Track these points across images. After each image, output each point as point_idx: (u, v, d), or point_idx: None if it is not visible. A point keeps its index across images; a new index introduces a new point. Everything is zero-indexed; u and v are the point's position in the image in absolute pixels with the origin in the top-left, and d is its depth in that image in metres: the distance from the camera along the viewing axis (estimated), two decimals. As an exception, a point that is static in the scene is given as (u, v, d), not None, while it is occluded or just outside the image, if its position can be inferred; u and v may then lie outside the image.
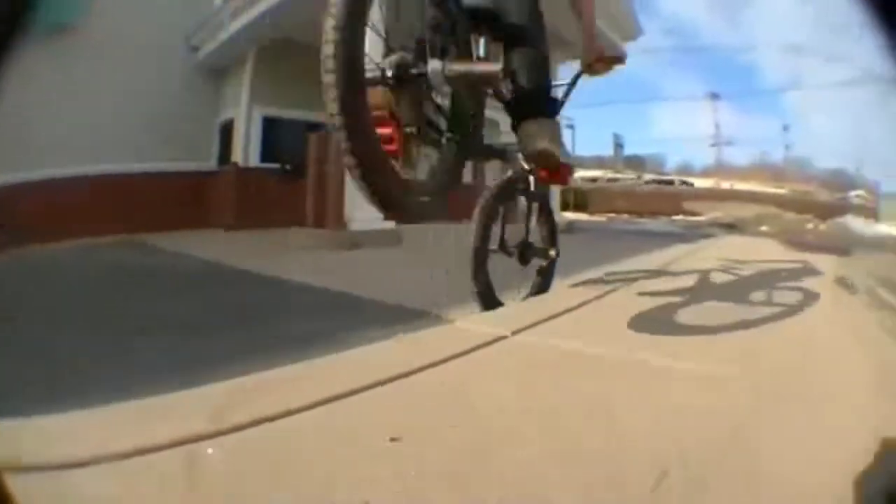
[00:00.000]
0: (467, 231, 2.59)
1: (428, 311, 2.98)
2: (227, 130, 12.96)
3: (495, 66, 2.17)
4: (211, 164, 13.10)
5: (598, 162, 55.57)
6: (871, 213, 31.49)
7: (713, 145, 52.81)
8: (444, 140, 2.18)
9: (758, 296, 3.60)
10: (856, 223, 26.70)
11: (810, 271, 5.39)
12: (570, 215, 26.36)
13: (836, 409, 1.65)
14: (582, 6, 2.91)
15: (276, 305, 3.68)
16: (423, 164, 2.11)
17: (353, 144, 1.66)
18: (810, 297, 3.79)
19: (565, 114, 2.97)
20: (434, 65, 1.91)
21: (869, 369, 2.09)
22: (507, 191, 3.12)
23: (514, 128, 2.55)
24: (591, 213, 32.05)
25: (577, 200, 32.40)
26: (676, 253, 6.53)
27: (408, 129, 1.92)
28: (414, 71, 1.86)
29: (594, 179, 43.76)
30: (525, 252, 3.24)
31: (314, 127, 8.77)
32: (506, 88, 2.52)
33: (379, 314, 3.08)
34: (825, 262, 6.36)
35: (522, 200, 3.22)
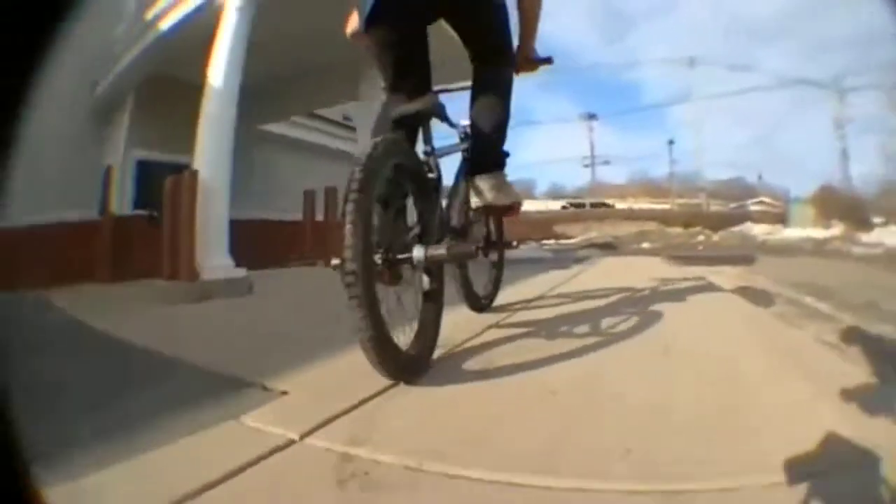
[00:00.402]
0: (320, 275, 2.15)
1: (252, 381, 2.65)
2: (108, 176, 12.95)
3: (470, 248, 2.88)
4: (94, 212, 12.57)
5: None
6: (779, 219, 32.46)
7: (587, 166, 54.75)
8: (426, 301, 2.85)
9: (641, 325, 3.49)
10: (757, 230, 27.72)
11: (704, 287, 5.30)
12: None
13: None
14: (527, 4, 3.32)
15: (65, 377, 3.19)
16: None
17: (372, 333, 2.22)
18: (710, 318, 3.76)
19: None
20: (417, 252, 2.62)
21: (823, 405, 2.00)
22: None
23: (467, 176, 3.18)
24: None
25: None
26: (543, 284, 6.05)
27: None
28: (401, 257, 2.59)
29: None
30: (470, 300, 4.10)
31: (182, 169, 8.35)
32: (463, 135, 3.48)
33: (191, 386, 2.77)
34: (721, 275, 6.48)
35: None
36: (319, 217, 11.60)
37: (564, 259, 11.21)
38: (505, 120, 3.11)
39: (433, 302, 2.84)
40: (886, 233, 24.43)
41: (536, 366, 2.65)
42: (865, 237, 24.17)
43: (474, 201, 3.08)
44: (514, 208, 3.16)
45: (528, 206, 50.62)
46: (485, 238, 4.12)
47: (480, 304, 4.18)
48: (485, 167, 3.05)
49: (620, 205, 41.20)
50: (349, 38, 3.32)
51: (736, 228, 28.90)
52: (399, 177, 2.67)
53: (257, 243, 10.66)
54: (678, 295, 4.68)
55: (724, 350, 2.89)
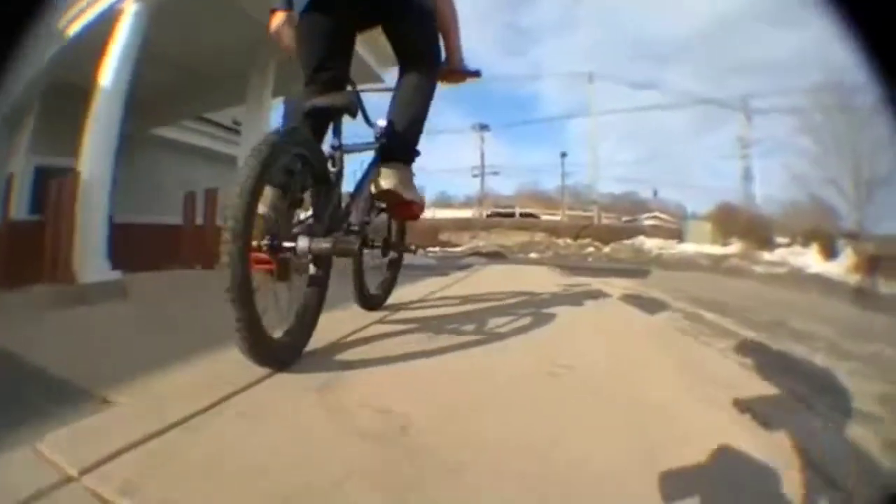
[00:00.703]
0: (199, 278, 2.91)
1: (92, 390, 2.42)
2: (9, 184, 13.10)
3: (353, 245, 2.91)
4: (-4, 220, 13.56)
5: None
6: (674, 234, 34.05)
7: (476, 175, 55.16)
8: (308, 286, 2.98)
9: (522, 335, 3.34)
10: (650, 244, 28.28)
11: (593, 295, 5.23)
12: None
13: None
14: (445, 15, 3.47)
15: None
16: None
17: (242, 316, 2.23)
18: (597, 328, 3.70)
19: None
20: (302, 243, 2.69)
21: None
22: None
23: (374, 167, 3.30)
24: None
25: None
26: (424, 288, 5.81)
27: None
28: (286, 245, 2.66)
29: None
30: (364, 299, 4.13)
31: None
32: (378, 135, 3.34)
33: (22, 397, 2.55)
34: (611, 286, 6.43)
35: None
36: (201, 220, 11.47)
37: (448, 266, 10.99)
38: (421, 118, 3.31)
39: (317, 290, 2.98)
40: (790, 253, 25.20)
41: (396, 386, 2.43)
42: (768, 256, 24.89)
43: (374, 186, 3.21)
44: (414, 208, 3.43)
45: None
46: (384, 239, 4.24)
47: (370, 302, 4.23)
48: (394, 157, 3.24)
49: (507, 214, 41.72)
50: (272, 34, 3.46)
51: (628, 241, 29.50)
52: (298, 167, 2.78)
53: (140, 247, 10.64)
54: (565, 303, 4.55)
55: (616, 367, 2.72)
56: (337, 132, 3.16)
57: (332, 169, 3.09)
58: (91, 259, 7.40)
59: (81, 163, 7.78)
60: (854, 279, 18.78)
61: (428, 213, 46.46)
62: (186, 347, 3.15)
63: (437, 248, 28.07)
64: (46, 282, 7.39)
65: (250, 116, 11.78)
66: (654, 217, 44.60)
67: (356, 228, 3.40)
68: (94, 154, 7.82)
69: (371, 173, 3.37)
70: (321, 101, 2.99)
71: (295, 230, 2.78)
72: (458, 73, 3.66)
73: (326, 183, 3.01)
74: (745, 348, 3.30)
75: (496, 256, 19.00)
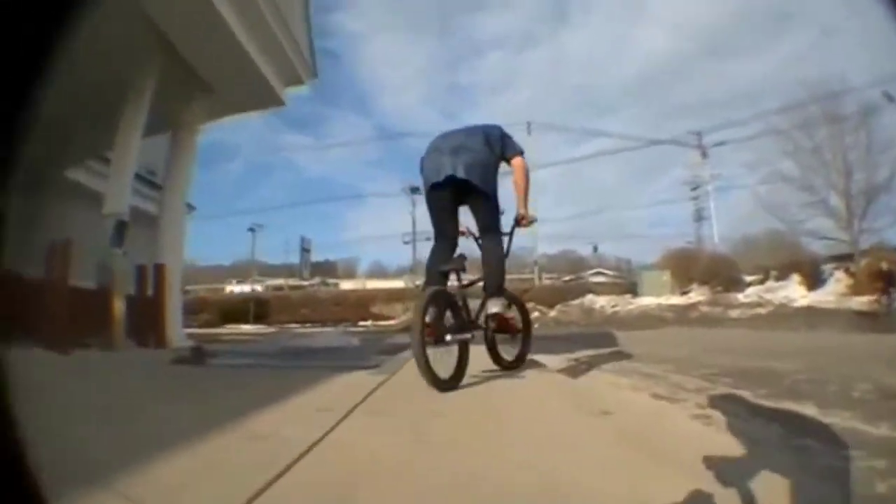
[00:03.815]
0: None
1: None
2: None
3: (468, 334, 5.36)
4: None
5: (287, 269, 56.63)
6: (624, 289, 33.32)
7: (407, 242, 54.00)
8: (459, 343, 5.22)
9: None
10: (602, 301, 27.15)
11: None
12: (247, 328, 26.06)
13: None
14: (520, 183, 5.91)
15: None
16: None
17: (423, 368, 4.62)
18: None
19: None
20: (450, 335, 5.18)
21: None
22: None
23: (485, 299, 5.74)
24: (271, 323, 34.17)
25: (258, 311, 36.56)
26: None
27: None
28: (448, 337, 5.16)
29: (279, 288, 51.22)
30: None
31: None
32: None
33: None
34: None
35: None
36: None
37: (371, 349, 9.28)
38: (502, 262, 5.85)
39: (463, 356, 5.17)
40: (765, 290, 24.29)
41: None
42: (741, 297, 23.94)
43: (486, 310, 5.61)
44: (511, 322, 5.97)
45: (345, 285, 51.58)
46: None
47: (506, 364, 5.95)
48: (495, 295, 5.65)
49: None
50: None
51: (575, 302, 28.50)
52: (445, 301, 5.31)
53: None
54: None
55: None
56: (459, 278, 5.57)
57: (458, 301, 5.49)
58: None
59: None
60: (858, 302, 17.82)
61: (358, 285, 46.22)
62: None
63: (368, 322, 27.86)
64: None
65: (119, 155, 11.30)
66: (598, 273, 43.92)
67: (481, 324, 5.62)
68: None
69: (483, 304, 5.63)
70: (446, 266, 5.42)
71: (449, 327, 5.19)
72: (528, 220, 5.93)
73: (456, 307, 5.38)
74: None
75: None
